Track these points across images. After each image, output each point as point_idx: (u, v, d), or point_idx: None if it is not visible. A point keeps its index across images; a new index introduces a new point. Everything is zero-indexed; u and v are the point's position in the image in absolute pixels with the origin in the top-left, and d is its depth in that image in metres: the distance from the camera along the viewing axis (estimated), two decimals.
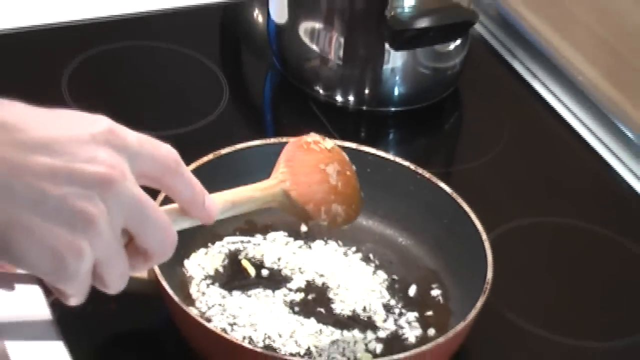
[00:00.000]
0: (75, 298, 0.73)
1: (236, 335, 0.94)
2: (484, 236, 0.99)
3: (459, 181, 1.15)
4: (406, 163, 1.07)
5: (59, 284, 0.71)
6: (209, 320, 0.95)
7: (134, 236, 0.72)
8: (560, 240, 1.16)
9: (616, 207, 1.22)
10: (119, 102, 1.21)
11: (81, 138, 0.70)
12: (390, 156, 1.08)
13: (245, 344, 0.91)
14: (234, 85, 1.30)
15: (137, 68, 1.30)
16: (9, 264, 0.72)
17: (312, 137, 0.95)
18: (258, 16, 1.43)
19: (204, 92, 1.29)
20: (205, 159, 1.02)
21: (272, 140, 1.07)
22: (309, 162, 0.92)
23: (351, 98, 1.27)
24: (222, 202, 0.83)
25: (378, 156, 1.07)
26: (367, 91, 1.26)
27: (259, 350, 0.91)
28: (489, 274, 0.95)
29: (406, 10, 1.19)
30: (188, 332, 0.93)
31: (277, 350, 0.94)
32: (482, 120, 1.32)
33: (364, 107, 1.28)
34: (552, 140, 1.30)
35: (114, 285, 0.73)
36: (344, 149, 1.01)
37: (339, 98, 1.27)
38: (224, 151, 1.04)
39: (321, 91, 1.28)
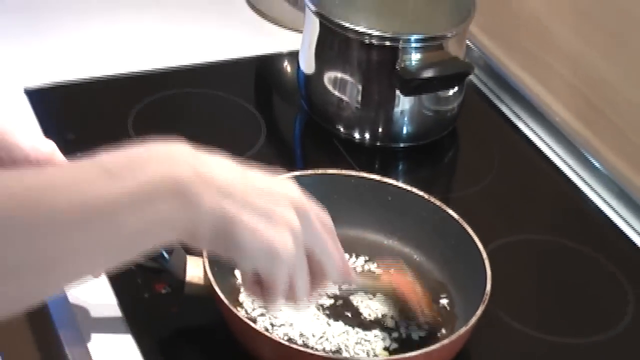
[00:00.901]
0: (277, 296, 0.80)
1: (276, 334, 0.96)
2: (485, 255, 1.01)
3: (457, 205, 1.13)
4: (420, 192, 1.08)
5: (270, 272, 0.77)
6: (254, 321, 0.97)
7: (312, 253, 0.80)
8: (542, 253, 1.18)
9: (586, 225, 1.23)
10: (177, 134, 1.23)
11: (279, 179, 0.81)
12: (407, 187, 1.09)
13: (284, 341, 0.93)
14: (269, 124, 1.32)
15: (188, 111, 1.32)
16: (228, 256, 0.78)
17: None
18: (287, 67, 1.44)
19: (245, 130, 1.30)
20: None
21: (309, 171, 1.09)
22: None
23: (367, 136, 1.28)
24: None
25: (397, 187, 1.09)
26: (380, 130, 1.28)
27: (296, 347, 0.93)
28: (488, 287, 0.97)
29: (413, 63, 1.20)
30: (236, 330, 0.95)
31: (312, 348, 0.96)
32: (475, 155, 1.33)
33: (378, 143, 1.29)
34: (533, 170, 1.32)
35: (301, 291, 0.80)
36: (370, 180, 1.06)
37: (357, 135, 1.29)
38: None
39: (342, 129, 1.29)
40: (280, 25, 1.49)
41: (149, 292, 1.01)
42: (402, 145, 1.30)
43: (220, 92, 1.36)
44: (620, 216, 1.23)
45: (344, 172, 1.09)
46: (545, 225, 1.22)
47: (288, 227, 0.77)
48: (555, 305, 1.10)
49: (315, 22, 1.24)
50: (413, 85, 1.20)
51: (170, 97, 1.33)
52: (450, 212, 1.05)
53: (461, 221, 1.04)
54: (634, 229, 1.21)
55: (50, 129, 1.19)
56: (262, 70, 1.44)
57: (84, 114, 1.29)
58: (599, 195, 1.27)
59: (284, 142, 1.34)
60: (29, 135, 0.92)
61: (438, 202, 1.07)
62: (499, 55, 1.42)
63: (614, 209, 1.24)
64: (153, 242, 0.74)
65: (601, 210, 1.25)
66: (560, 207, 1.27)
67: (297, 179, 1.03)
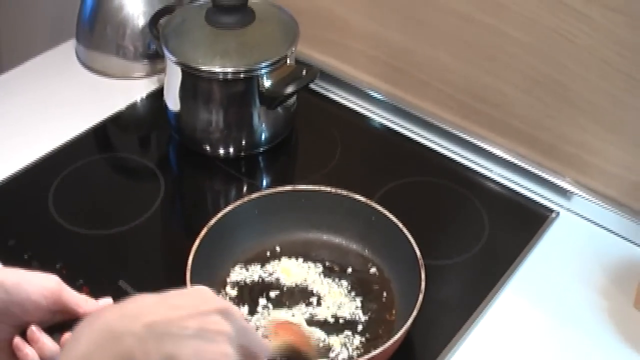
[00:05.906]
0: None
1: None
2: (401, 225, 1.01)
3: (328, 181, 1.12)
4: (326, 189, 1.07)
5: None
6: None
7: (245, 348, 0.70)
8: (406, 194, 1.19)
9: (427, 164, 1.26)
10: (94, 204, 1.19)
11: (195, 291, 0.72)
12: (316, 187, 1.08)
13: None
14: (159, 164, 1.26)
15: (93, 180, 1.23)
16: None
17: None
18: (150, 109, 1.37)
19: (143, 176, 1.25)
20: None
21: (239, 202, 1.05)
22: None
23: (231, 150, 1.26)
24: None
25: (308, 190, 1.08)
26: (243, 142, 1.26)
27: None
28: (420, 259, 0.96)
29: (271, 82, 1.18)
30: None
31: None
32: (318, 136, 1.33)
33: (242, 153, 1.27)
34: (366, 133, 1.34)
35: None
36: (284, 192, 1.06)
37: (221, 151, 1.26)
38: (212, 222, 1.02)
39: (208, 149, 1.26)
40: (121, 78, 1.42)
41: None
42: (261, 149, 1.27)
43: (116, 152, 1.30)
44: (450, 150, 1.29)
45: (263, 192, 1.08)
46: (396, 174, 1.23)
47: (224, 336, 0.68)
48: (433, 235, 1.12)
49: (177, 69, 1.20)
50: (277, 101, 1.20)
51: (77, 169, 1.24)
52: (357, 196, 1.06)
53: (368, 202, 1.05)
54: (464, 158, 1.27)
55: None
56: (128, 120, 1.36)
57: (12, 205, 1.18)
58: (425, 138, 1.31)
59: (173, 175, 1.28)
60: (34, 280, 0.78)
61: (345, 192, 1.07)
62: (311, 52, 1.42)
63: (441, 145, 1.29)
64: None
65: (433, 150, 1.29)
66: (397, 158, 1.28)
67: (235, 209, 1.03)
